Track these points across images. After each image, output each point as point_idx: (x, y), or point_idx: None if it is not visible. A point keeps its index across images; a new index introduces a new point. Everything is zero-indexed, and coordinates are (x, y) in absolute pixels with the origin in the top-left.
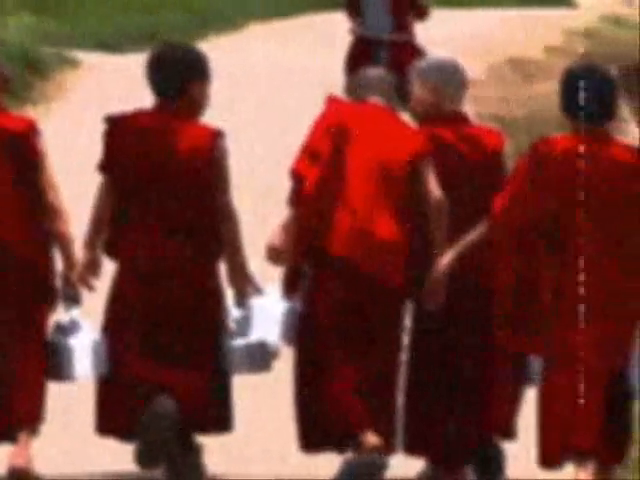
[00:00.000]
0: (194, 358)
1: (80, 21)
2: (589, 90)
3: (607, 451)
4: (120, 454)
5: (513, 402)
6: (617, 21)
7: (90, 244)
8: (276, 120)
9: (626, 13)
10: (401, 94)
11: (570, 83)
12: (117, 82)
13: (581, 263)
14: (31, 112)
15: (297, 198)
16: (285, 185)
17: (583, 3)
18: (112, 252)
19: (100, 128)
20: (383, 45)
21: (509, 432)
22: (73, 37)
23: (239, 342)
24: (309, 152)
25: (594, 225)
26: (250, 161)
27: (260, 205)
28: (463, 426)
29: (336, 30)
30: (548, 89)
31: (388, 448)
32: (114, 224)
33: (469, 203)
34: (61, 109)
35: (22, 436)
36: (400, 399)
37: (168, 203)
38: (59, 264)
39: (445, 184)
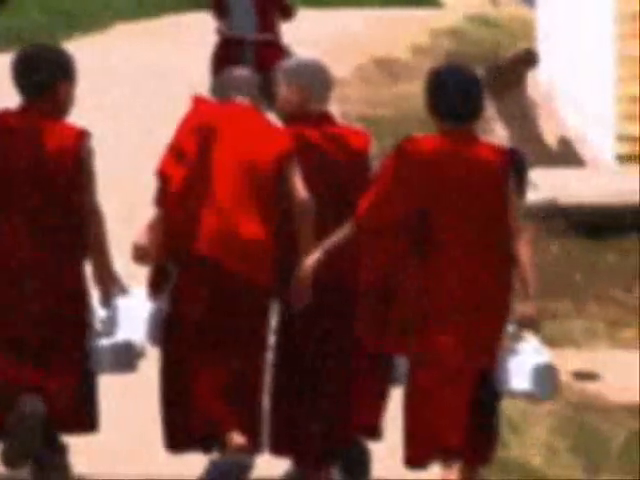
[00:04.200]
0: (60, 358)
1: None
2: (454, 90)
3: (473, 452)
4: None
5: (379, 402)
6: (482, 21)
7: None
8: (142, 120)
9: (491, 13)
10: (266, 94)
11: (436, 83)
12: None
13: (446, 263)
14: None
15: (163, 198)
16: (151, 185)
17: (448, 3)
18: None
19: None
20: (248, 45)
21: (375, 432)
22: None
23: (105, 342)
24: (175, 152)
25: (459, 225)
26: (116, 161)
27: (126, 205)
28: (328, 426)
29: (202, 30)
30: (414, 89)
31: (253, 448)
32: None
33: (335, 203)
34: None
35: None
36: (265, 399)
37: (34, 203)
38: None
39: (311, 184)
